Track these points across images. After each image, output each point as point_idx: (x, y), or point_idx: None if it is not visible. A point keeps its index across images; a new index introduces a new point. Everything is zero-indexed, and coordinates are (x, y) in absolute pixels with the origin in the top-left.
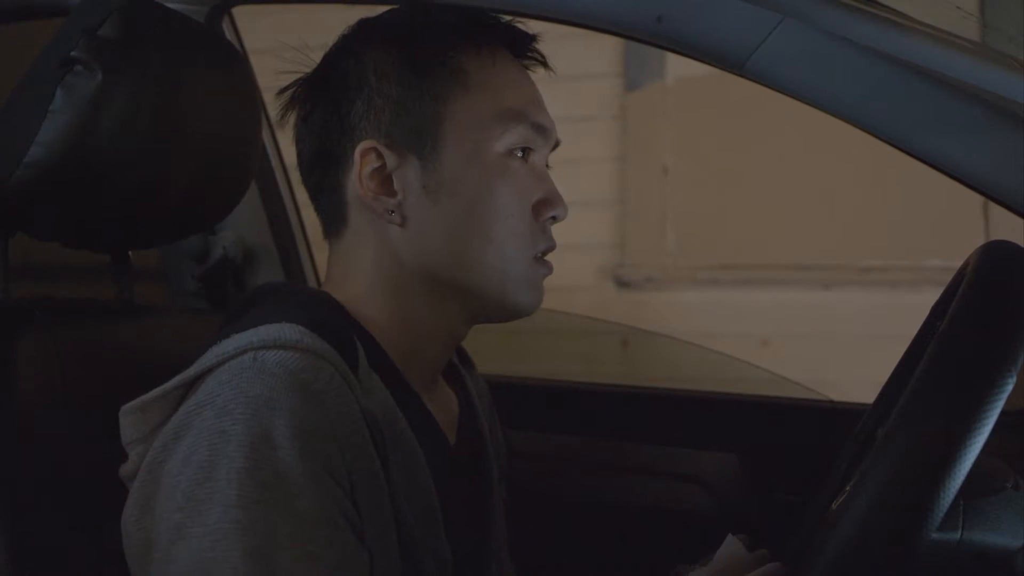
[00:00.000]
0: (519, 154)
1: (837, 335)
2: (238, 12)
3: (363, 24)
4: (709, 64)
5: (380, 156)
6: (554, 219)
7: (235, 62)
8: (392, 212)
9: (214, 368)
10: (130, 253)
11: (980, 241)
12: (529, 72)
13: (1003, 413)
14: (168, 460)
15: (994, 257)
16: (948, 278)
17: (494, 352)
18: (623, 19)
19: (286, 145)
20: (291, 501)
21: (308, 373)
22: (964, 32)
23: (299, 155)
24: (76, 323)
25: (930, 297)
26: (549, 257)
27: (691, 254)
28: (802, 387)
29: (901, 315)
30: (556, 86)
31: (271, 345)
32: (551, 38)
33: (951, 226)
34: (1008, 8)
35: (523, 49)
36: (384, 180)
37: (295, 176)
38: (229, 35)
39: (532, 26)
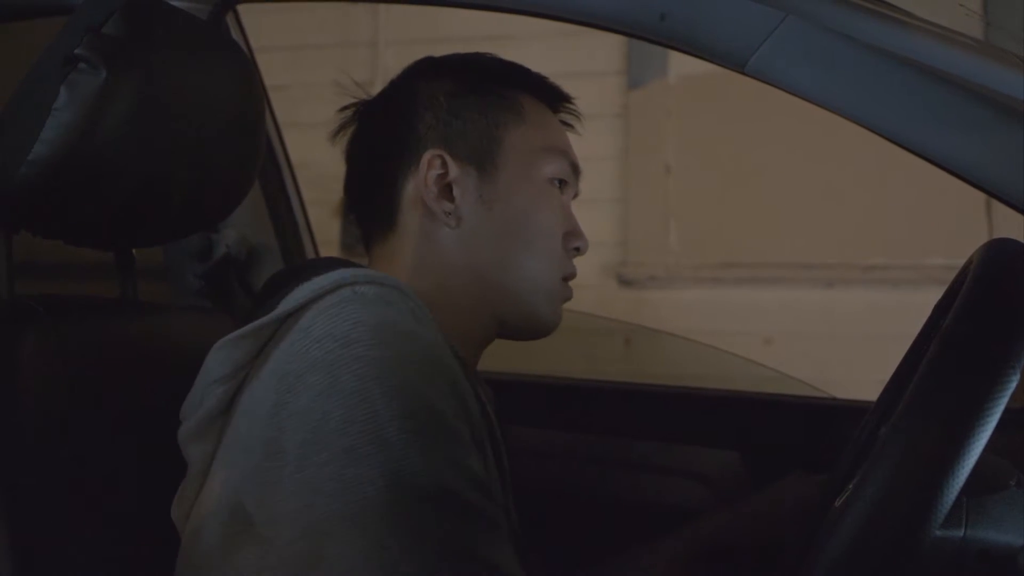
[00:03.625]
0: (557, 184)
1: (840, 334)
2: (242, 10)
3: (431, 59)
4: (712, 62)
5: (444, 164)
6: (577, 251)
7: (239, 60)
8: (449, 215)
9: (309, 303)
10: (133, 251)
11: (983, 239)
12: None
13: (1006, 410)
14: (299, 396)
15: (997, 255)
16: (951, 276)
17: (496, 348)
18: (626, 17)
19: (292, 146)
20: (440, 417)
21: (413, 302)
22: (968, 30)
23: (352, 166)
24: (80, 321)
25: (933, 296)
26: None
27: (694, 252)
28: (807, 385)
29: (904, 314)
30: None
31: (365, 281)
32: (554, 35)
33: (954, 224)
34: (1012, 6)
35: (562, 105)
36: (444, 187)
37: (301, 175)
38: (234, 33)
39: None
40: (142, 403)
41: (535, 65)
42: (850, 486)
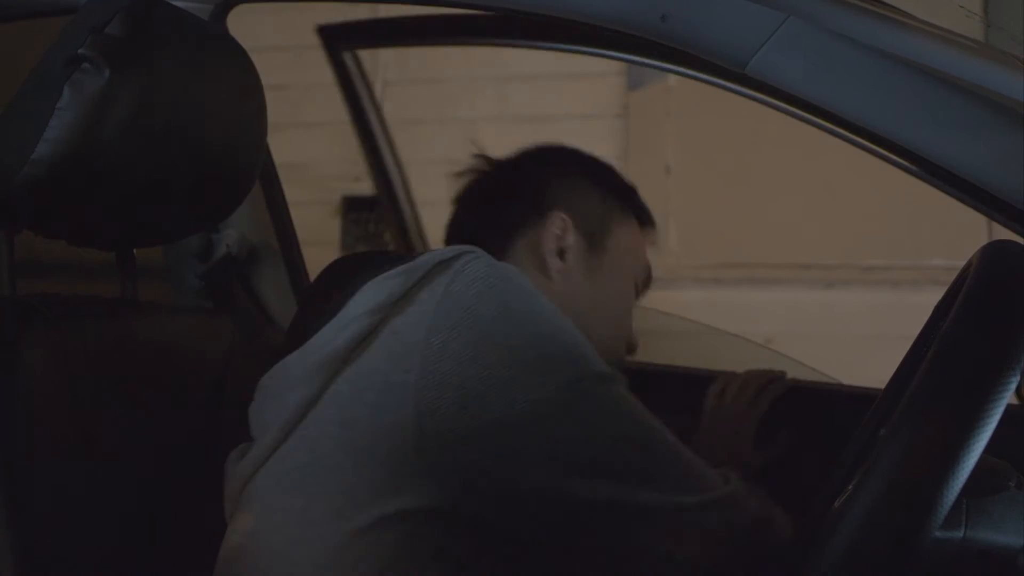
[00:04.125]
0: (635, 287)
1: (839, 334)
2: (242, 10)
3: (564, 145)
4: (713, 62)
5: (565, 228)
6: (629, 344)
7: (241, 60)
8: (558, 271)
9: (449, 261)
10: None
11: (983, 240)
12: None
13: (1007, 409)
14: (456, 340)
15: (997, 257)
16: (951, 277)
17: None
18: (627, 17)
19: (292, 146)
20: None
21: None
22: (967, 31)
23: (467, 209)
24: (81, 320)
25: (933, 296)
26: None
27: (694, 253)
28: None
29: (903, 314)
30: (560, 85)
31: (477, 253)
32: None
33: (954, 225)
34: (1012, 7)
35: (650, 229)
36: (560, 247)
37: (301, 174)
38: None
39: None
40: (142, 402)
41: (536, 66)
42: (850, 487)
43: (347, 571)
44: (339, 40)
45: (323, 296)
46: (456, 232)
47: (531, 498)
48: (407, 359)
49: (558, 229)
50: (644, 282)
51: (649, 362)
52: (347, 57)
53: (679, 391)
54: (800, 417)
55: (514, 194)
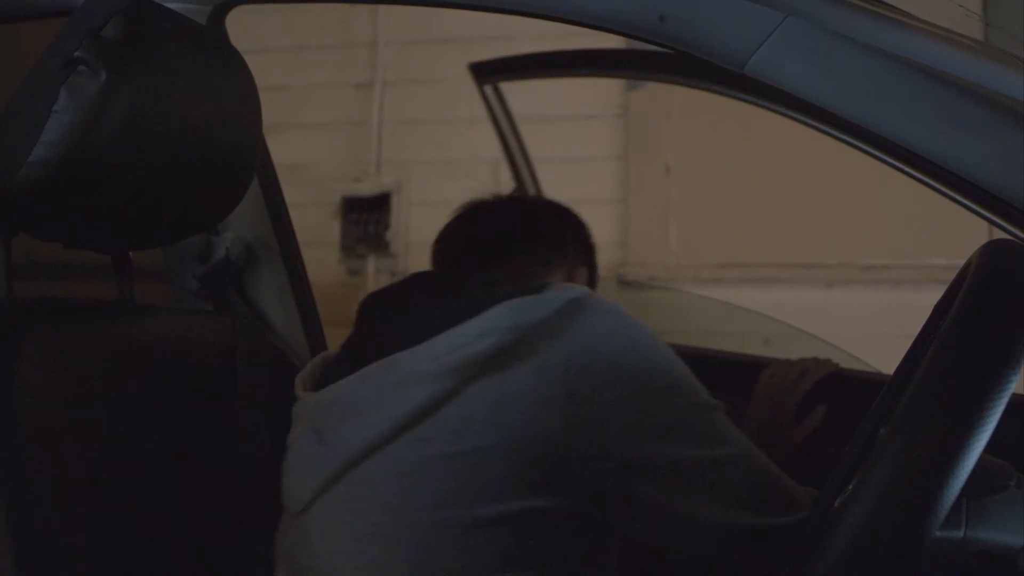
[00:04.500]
0: None
1: (839, 334)
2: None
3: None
4: (711, 62)
5: (574, 273)
6: None
7: (236, 63)
8: None
9: (572, 302)
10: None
11: (983, 239)
12: None
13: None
14: (594, 367)
15: (997, 255)
16: (951, 276)
17: None
18: (626, 18)
19: (292, 146)
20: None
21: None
22: (967, 31)
23: (481, 240)
24: (78, 322)
25: (933, 296)
26: None
27: (694, 253)
28: None
29: (904, 314)
30: (560, 85)
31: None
32: (554, 36)
33: (954, 224)
34: (1011, 7)
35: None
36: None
37: (300, 175)
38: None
39: None
40: (142, 404)
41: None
42: (850, 487)
43: (463, 557)
44: (485, 75)
45: (400, 301)
46: (458, 255)
47: (650, 509)
48: (553, 378)
49: (567, 271)
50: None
51: (719, 350)
52: (489, 90)
53: (742, 376)
54: (843, 402)
55: (536, 237)
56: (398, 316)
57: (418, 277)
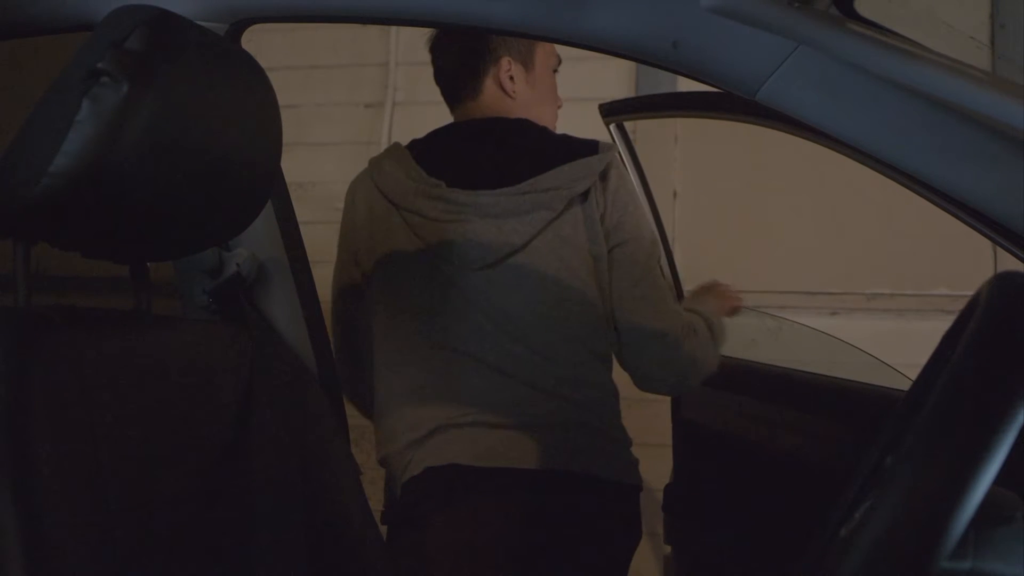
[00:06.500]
0: (554, 71)
1: (843, 362)
2: (255, 29)
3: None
4: (723, 90)
5: (510, 65)
6: (559, 107)
7: (258, 78)
8: (514, 92)
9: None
10: (148, 264)
11: (988, 270)
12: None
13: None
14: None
15: (1007, 288)
16: (955, 306)
17: None
18: (640, 44)
19: (301, 164)
20: None
21: None
22: (976, 62)
23: (445, 59)
24: (95, 332)
25: (937, 325)
26: None
27: (698, 278)
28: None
29: (907, 342)
30: (568, 108)
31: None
32: (565, 60)
33: (958, 255)
34: (1019, 39)
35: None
36: (510, 77)
37: (308, 192)
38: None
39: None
40: (159, 413)
41: None
42: (856, 515)
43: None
44: (609, 114)
45: (501, 141)
46: (446, 78)
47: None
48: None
49: (506, 67)
50: (557, 63)
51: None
52: (612, 128)
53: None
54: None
55: (475, 53)
56: (508, 147)
57: (498, 122)
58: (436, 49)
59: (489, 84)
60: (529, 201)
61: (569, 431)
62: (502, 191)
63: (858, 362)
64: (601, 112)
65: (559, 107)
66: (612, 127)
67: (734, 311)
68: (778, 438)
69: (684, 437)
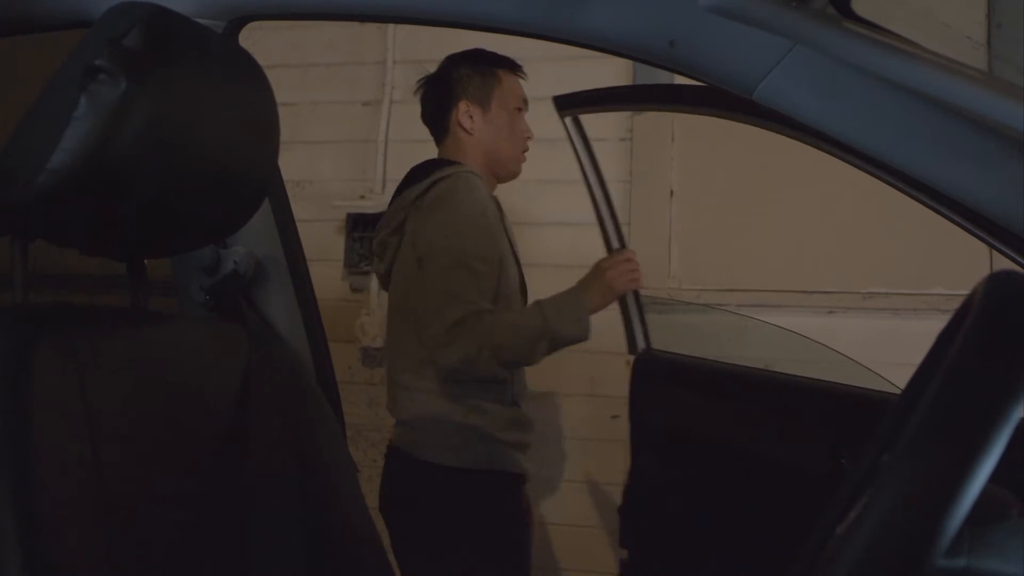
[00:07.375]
0: (518, 110)
1: (839, 360)
2: (252, 27)
3: (453, 56)
4: (720, 88)
5: (468, 108)
6: (528, 139)
7: (255, 76)
8: (470, 129)
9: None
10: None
11: (984, 269)
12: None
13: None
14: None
15: (1003, 286)
16: (951, 305)
17: None
18: (637, 43)
19: (299, 162)
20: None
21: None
22: (973, 61)
23: (425, 107)
24: (93, 328)
25: (933, 324)
26: None
27: (695, 277)
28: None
29: (903, 342)
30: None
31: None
32: (563, 59)
33: (954, 254)
34: (1016, 39)
35: (519, 71)
36: (468, 115)
37: (305, 190)
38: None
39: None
40: (158, 410)
41: (544, 88)
42: (852, 514)
43: None
44: (565, 107)
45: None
46: (427, 123)
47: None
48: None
49: (464, 110)
50: (523, 103)
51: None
52: (569, 121)
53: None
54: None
55: (441, 94)
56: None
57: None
58: (421, 99)
59: (453, 124)
60: None
61: None
62: None
63: (826, 360)
64: (556, 105)
65: (529, 139)
66: (567, 120)
67: (619, 293)
68: (739, 437)
69: (641, 438)
